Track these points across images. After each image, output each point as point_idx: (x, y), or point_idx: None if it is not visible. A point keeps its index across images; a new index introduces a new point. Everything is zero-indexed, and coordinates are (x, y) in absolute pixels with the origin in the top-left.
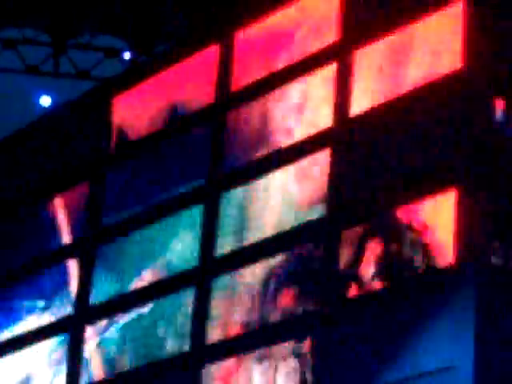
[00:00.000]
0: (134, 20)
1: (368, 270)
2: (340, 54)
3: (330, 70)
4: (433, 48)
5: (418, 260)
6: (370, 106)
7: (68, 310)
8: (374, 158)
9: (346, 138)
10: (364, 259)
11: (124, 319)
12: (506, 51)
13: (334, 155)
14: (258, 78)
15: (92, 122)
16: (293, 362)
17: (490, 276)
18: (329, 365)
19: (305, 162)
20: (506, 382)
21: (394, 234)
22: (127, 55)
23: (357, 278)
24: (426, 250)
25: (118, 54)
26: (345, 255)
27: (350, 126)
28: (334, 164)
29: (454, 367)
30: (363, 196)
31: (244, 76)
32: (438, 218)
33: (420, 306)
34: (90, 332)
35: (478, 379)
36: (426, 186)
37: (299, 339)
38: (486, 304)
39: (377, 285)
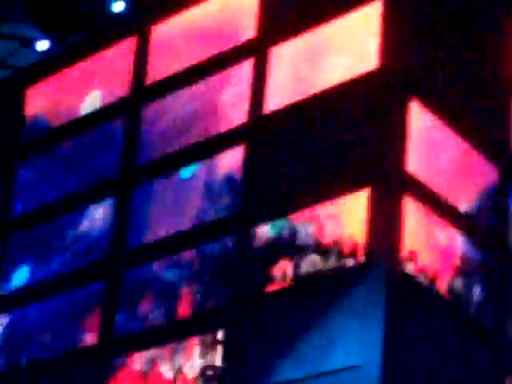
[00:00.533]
0: (51, 9)
1: (277, 268)
2: (257, 51)
3: (246, 66)
4: (350, 47)
5: (328, 259)
6: (286, 104)
7: None
8: (289, 155)
9: (260, 134)
10: (273, 257)
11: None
12: (422, 51)
13: (248, 151)
14: (175, 72)
15: (4, 112)
16: (200, 358)
17: (400, 278)
18: (235, 360)
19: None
20: (411, 382)
21: (305, 233)
22: (42, 45)
23: (265, 276)
24: (336, 249)
25: (33, 43)
26: (256, 251)
27: (266, 123)
28: (248, 160)
29: (360, 366)
30: (277, 193)
31: (161, 70)
32: (350, 216)
33: (328, 305)
34: None
35: (384, 379)
36: (340, 185)
37: (207, 334)
38: (394, 305)
39: (284, 283)
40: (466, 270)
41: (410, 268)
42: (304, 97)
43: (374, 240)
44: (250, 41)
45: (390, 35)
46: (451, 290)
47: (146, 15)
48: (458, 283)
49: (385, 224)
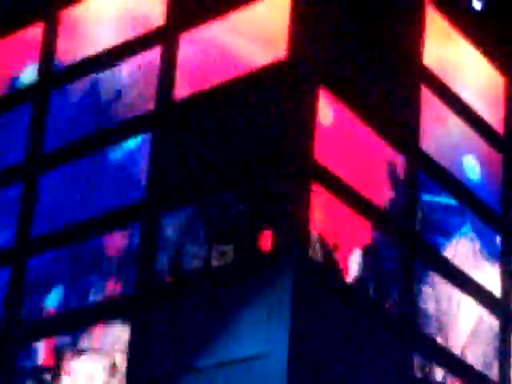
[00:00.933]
0: None
1: (184, 255)
2: (165, 38)
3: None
4: (260, 36)
5: (234, 248)
6: (195, 91)
7: None
8: (197, 143)
9: (169, 121)
10: (180, 244)
11: None
12: (331, 41)
13: (156, 139)
14: (84, 57)
15: None
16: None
17: (308, 268)
18: (144, 350)
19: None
20: (318, 369)
21: (213, 221)
22: None
23: (173, 264)
24: (243, 238)
25: None
26: (164, 239)
27: (174, 110)
28: (157, 147)
29: (267, 354)
30: (185, 181)
31: (70, 55)
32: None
33: (235, 294)
34: None
35: (292, 366)
36: (248, 172)
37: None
38: (302, 294)
39: (192, 272)
40: (373, 258)
41: (318, 257)
42: (214, 84)
43: (282, 230)
44: (158, 28)
45: (299, 25)
46: (358, 278)
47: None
48: (365, 271)
49: (293, 212)
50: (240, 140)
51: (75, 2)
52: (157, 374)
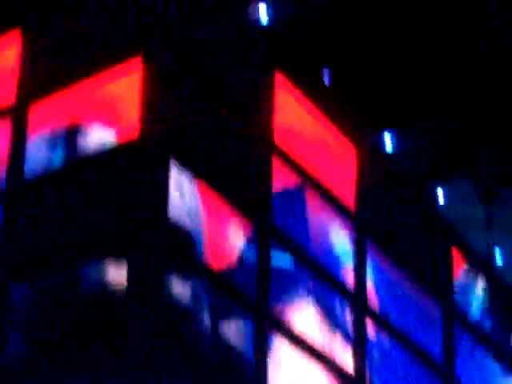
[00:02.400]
0: None
1: None
2: (15, 109)
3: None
4: (111, 116)
5: None
6: (46, 171)
7: None
8: (46, 220)
9: (18, 198)
10: None
11: None
12: (183, 115)
13: (6, 213)
14: None
15: None
16: None
17: None
18: None
19: None
20: None
21: None
22: None
23: None
24: None
25: None
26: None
27: (24, 187)
28: (7, 222)
29: None
30: (35, 253)
31: None
32: None
33: None
34: None
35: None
36: (97, 251)
37: None
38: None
39: None
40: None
41: None
42: (64, 164)
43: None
44: (7, 99)
45: (150, 105)
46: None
47: None
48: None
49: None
50: (87, 220)
51: None
52: None
